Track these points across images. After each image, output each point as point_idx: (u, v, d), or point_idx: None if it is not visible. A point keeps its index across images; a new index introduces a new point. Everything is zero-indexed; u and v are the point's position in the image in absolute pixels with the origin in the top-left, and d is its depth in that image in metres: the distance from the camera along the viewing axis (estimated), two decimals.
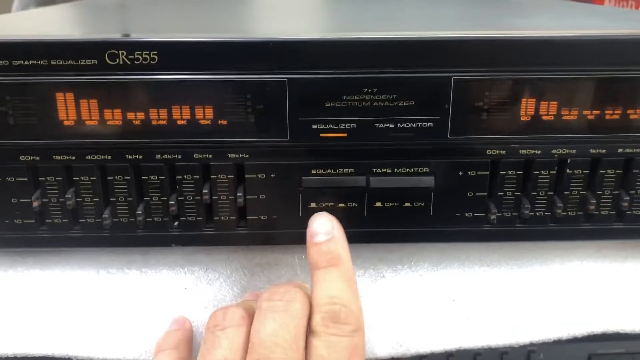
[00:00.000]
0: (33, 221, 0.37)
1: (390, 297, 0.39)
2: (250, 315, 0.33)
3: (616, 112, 0.36)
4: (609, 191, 0.38)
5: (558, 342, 0.39)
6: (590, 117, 0.36)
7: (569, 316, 0.38)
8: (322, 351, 0.29)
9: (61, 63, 0.34)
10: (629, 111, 0.36)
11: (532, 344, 0.38)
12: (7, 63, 0.34)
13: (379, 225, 0.38)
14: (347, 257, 0.32)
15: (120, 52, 0.34)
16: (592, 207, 0.38)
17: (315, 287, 0.31)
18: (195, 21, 0.48)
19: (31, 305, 0.39)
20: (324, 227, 0.33)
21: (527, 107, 0.36)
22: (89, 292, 0.39)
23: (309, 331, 0.30)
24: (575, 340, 0.40)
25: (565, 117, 0.36)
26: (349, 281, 0.32)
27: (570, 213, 0.38)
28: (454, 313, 0.38)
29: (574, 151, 0.37)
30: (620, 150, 0.37)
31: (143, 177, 0.37)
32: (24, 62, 0.34)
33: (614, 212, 0.38)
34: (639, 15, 0.52)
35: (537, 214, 0.38)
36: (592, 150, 0.37)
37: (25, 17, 0.51)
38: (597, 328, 0.38)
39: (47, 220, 0.37)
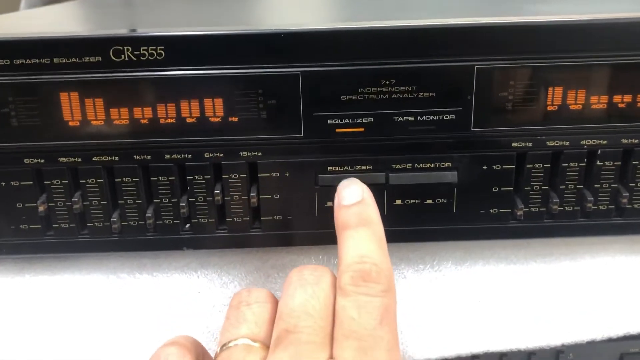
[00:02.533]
0: (39, 226, 0.36)
1: (412, 298, 0.38)
2: (275, 297, 0.33)
3: None
4: None
5: (590, 343, 0.37)
6: (621, 105, 0.34)
7: (602, 316, 0.37)
8: (351, 312, 0.28)
9: (64, 61, 0.33)
10: None
11: (563, 345, 0.36)
12: (9, 62, 0.33)
13: (400, 224, 0.36)
14: (378, 219, 0.31)
15: (125, 48, 0.32)
16: (625, 200, 0.36)
17: (344, 247, 0.30)
18: (203, 14, 0.47)
19: (40, 312, 0.38)
20: (353, 193, 0.32)
21: (554, 96, 0.34)
22: (99, 298, 0.38)
23: (337, 293, 0.29)
24: (607, 340, 0.38)
25: (594, 106, 0.34)
26: (379, 241, 0.30)
27: (601, 207, 0.36)
28: (480, 314, 0.37)
29: (605, 142, 0.35)
30: None
31: (152, 178, 0.35)
32: (25, 61, 0.33)
33: None
34: None
35: (566, 208, 0.36)
36: (624, 140, 0.35)
37: (29, 15, 0.50)
38: (634, 328, 0.36)
39: (54, 225, 0.36)
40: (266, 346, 0.30)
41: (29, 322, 0.37)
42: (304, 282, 0.30)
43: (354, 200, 0.31)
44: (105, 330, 0.37)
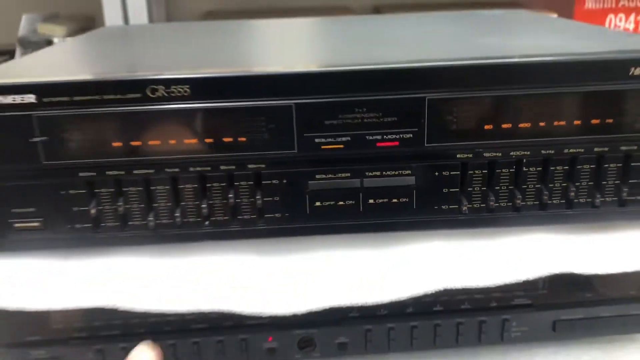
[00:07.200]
0: (90, 225, 0.45)
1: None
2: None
3: (562, 120, 0.43)
4: (558, 184, 0.44)
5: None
6: (541, 124, 0.43)
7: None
8: None
9: (111, 97, 0.41)
10: (572, 119, 0.43)
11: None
12: (68, 99, 0.40)
13: (372, 218, 0.44)
14: None
15: (159, 86, 0.41)
16: (545, 197, 0.45)
17: None
18: (205, 56, 0.55)
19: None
20: None
21: (488, 119, 0.42)
22: None
23: None
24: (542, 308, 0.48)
25: (520, 125, 0.42)
26: None
27: (528, 203, 0.44)
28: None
29: (529, 153, 0.43)
30: (566, 151, 0.43)
31: (179, 186, 0.44)
32: (81, 97, 0.41)
33: (564, 201, 0.46)
34: (592, 31, 0.59)
35: (501, 204, 0.44)
36: (543, 152, 0.43)
37: (52, 56, 0.55)
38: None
39: (101, 224, 0.45)
40: None
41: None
42: None
43: None
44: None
